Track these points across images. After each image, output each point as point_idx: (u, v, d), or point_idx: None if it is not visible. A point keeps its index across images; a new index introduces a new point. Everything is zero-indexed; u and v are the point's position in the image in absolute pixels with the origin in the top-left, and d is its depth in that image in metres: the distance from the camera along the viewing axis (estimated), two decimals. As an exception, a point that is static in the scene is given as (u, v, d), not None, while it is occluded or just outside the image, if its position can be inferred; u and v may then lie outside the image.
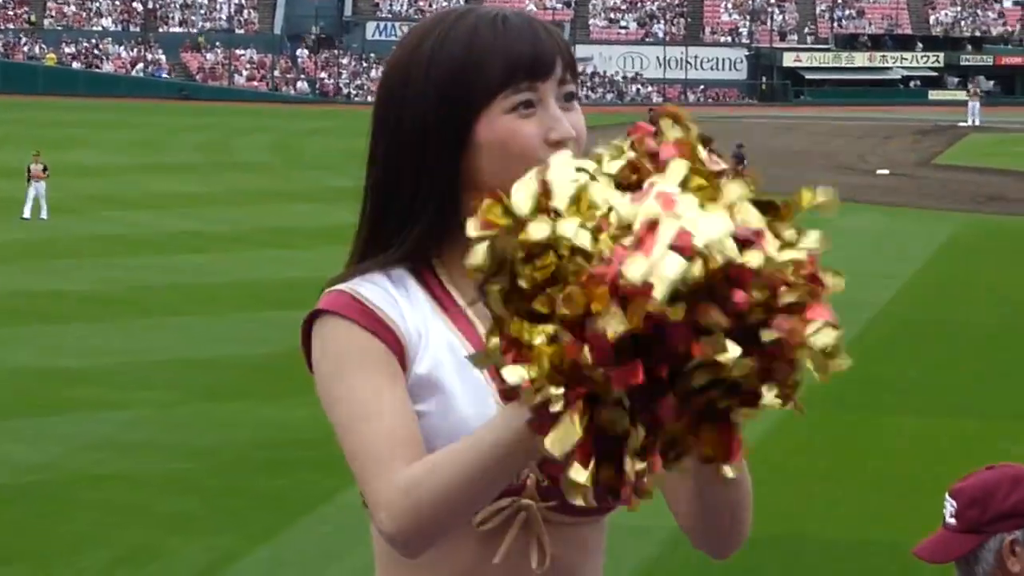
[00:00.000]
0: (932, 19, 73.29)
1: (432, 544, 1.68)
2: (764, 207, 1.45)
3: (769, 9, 72.24)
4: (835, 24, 71.54)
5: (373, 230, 1.83)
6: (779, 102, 64.74)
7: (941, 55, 68.24)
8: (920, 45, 69.41)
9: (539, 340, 1.37)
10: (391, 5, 73.84)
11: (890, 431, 11.71)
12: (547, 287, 1.37)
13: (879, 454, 11.10)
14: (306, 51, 69.70)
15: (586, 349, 1.34)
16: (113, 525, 9.13)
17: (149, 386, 12.64)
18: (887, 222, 25.69)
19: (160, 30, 70.80)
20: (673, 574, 8.22)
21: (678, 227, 1.34)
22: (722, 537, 1.82)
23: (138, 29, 70.76)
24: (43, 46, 67.62)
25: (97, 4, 71.72)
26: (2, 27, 69.15)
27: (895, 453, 11.10)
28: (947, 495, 2.92)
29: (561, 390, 1.37)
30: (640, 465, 1.39)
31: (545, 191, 1.40)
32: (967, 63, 68.22)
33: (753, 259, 1.37)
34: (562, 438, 1.38)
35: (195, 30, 71.14)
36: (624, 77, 66.74)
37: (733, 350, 1.35)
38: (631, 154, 1.44)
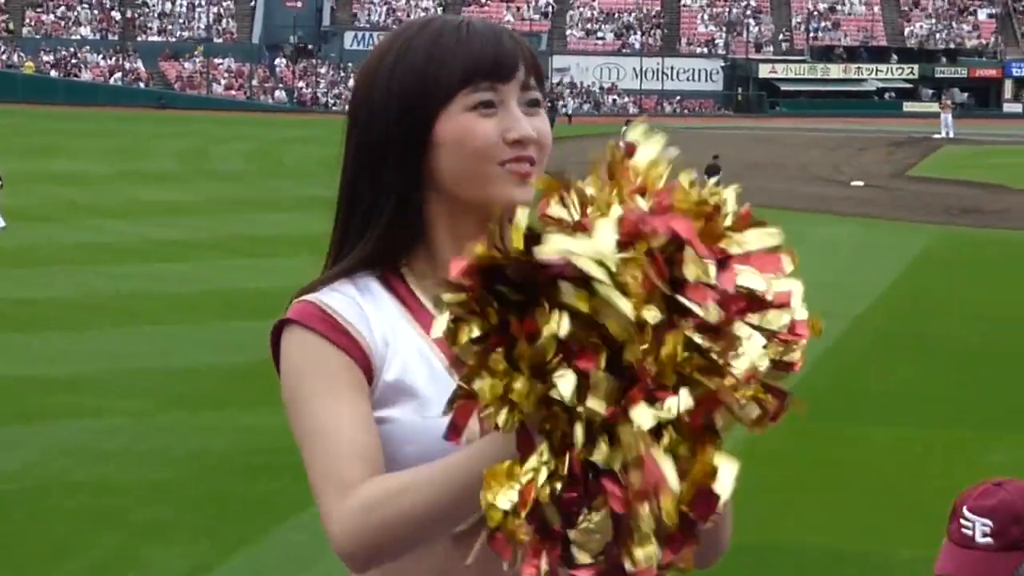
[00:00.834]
0: (907, 31, 73.69)
1: (382, 563, 1.66)
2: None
3: (745, 21, 72.53)
4: (811, 36, 71.86)
5: (342, 236, 1.85)
6: (755, 113, 65.02)
7: (916, 67, 68.61)
8: (895, 57, 69.78)
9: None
10: (369, 15, 73.88)
11: (865, 441, 11.73)
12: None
13: (853, 464, 11.13)
14: (284, 60, 69.66)
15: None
16: (89, 533, 9.11)
17: (126, 394, 12.60)
18: (861, 234, 25.78)
19: (139, 39, 70.69)
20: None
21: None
22: (699, 559, 1.80)
23: (116, 38, 70.64)
24: (21, 54, 67.44)
25: (76, 13, 71.57)
26: (-20, 35, 68.98)
27: (870, 463, 11.12)
28: (971, 514, 2.91)
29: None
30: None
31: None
32: (942, 75, 68.62)
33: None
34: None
35: (173, 39, 71.10)
36: (601, 88, 66.90)
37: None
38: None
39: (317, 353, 1.74)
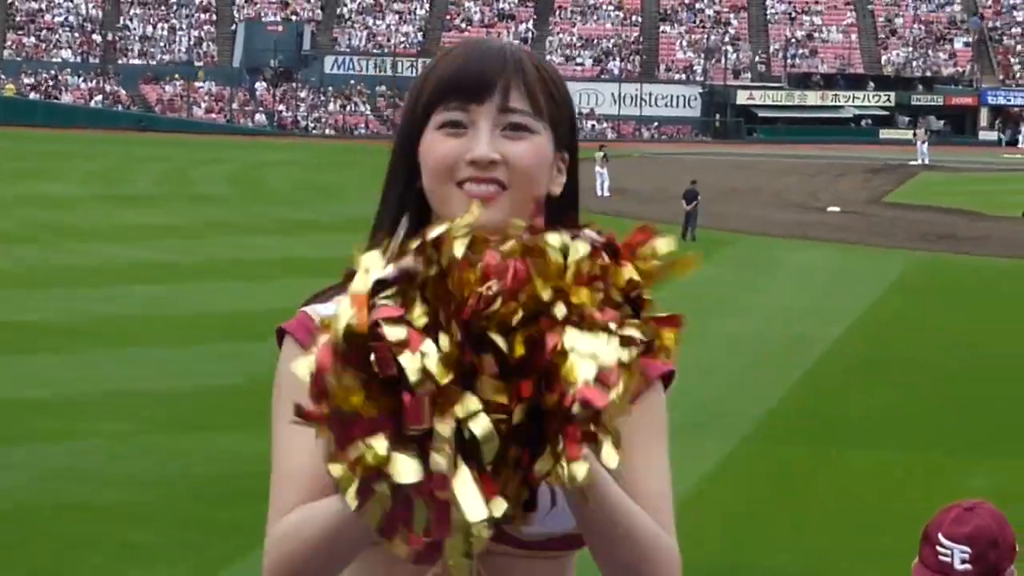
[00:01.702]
0: (884, 59, 74.18)
1: None
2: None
3: (723, 48, 72.93)
4: (788, 63, 72.28)
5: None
6: (732, 139, 65.27)
7: (892, 95, 69.00)
8: (872, 84, 70.19)
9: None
10: (349, 39, 74.02)
11: (840, 465, 11.76)
12: None
13: (830, 488, 11.19)
14: (264, 84, 69.73)
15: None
16: (70, 556, 9.10)
17: (109, 416, 12.57)
18: (838, 259, 25.92)
19: (119, 62, 70.67)
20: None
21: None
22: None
23: (97, 61, 70.61)
24: (2, 77, 67.32)
25: (57, 36, 71.55)
26: (-40, 58, 68.89)
27: (846, 487, 11.15)
28: (948, 541, 2.90)
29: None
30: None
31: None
32: (918, 103, 69.03)
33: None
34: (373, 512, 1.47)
35: (154, 62, 71.14)
36: (580, 113, 67.16)
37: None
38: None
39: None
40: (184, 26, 72.79)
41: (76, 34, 71.88)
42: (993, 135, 68.36)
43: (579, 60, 73.14)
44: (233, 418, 12.23)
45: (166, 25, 73.08)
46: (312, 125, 67.91)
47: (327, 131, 67.14)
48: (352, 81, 69.36)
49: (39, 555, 9.14)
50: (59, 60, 70.08)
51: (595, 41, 73.82)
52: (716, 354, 15.29)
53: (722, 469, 11.38)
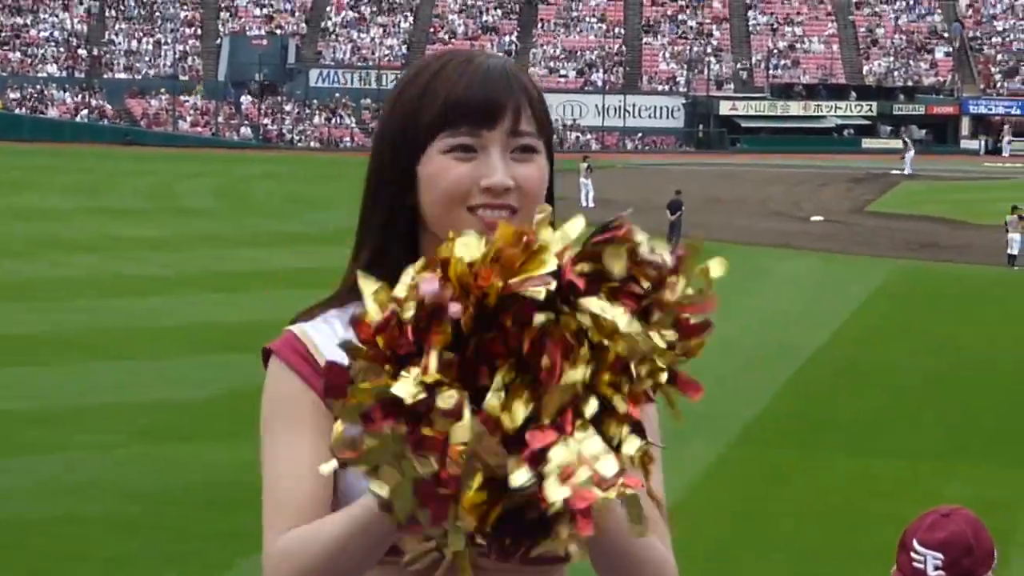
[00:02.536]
0: (865, 69, 74.49)
1: None
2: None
3: (706, 59, 73.18)
4: (770, 73, 72.55)
5: (352, 259, 1.86)
6: (716, 150, 65.41)
7: (874, 104, 69.23)
8: (854, 94, 70.43)
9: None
10: (334, 53, 74.10)
11: (825, 470, 11.84)
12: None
13: (814, 492, 11.28)
14: (250, 97, 69.77)
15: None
16: (59, 567, 9.13)
17: (93, 428, 12.60)
18: (821, 268, 26.04)
19: (105, 76, 70.67)
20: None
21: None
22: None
23: (83, 75, 70.61)
24: (-11, 91, 67.31)
25: (43, 51, 71.52)
26: (-54, 74, 68.82)
27: (830, 491, 11.23)
28: (922, 548, 2.91)
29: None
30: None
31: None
32: (900, 112, 69.27)
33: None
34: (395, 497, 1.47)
35: (139, 76, 71.13)
36: (564, 125, 67.31)
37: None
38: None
39: (286, 390, 1.77)
40: (169, 40, 72.78)
41: (61, 49, 71.85)
42: (974, 144, 68.65)
43: (563, 72, 73.30)
44: (221, 429, 12.28)
45: (151, 40, 73.07)
46: (297, 138, 67.94)
47: (312, 144, 67.16)
48: (337, 94, 69.42)
49: (28, 566, 9.16)
50: (45, 75, 70.05)
51: (578, 53, 74.00)
52: (705, 359, 15.21)
53: (712, 472, 11.46)
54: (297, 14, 75.62)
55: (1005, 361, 17.14)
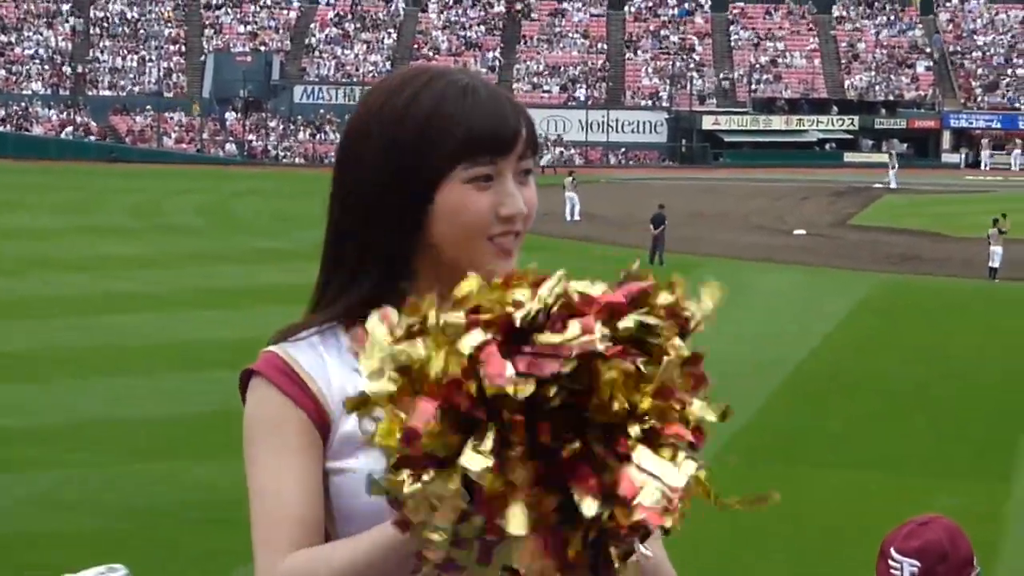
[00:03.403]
0: (847, 83, 74.81)
1: None
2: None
3: (688, 74, 73.45)
4: (752, 88, 72.82)
5: (325, 284, 1.82)
6: (698, 164, 65.60)
7: (856, 118, 69.48)
8: (835, 109, 70.71)
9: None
10: (318, 69, 74.19)
11: (810, 483, 11.85)
12: None
13: (797, 506, 11.34)
14: (234, 114, 69.81)
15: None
16: (50, 583, 9.23)
17: (83, 446, 12.61)
18: (804, 281, 26.15)
19: (90, 93, 70.63)
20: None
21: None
22: None
23: (67, 93, 70.56)
24: (-27, 110, 67.21)
25: (27, 68, 71.47)
26: (-70, 91, 68.70)
27: (816, 504, 11.25)
28: (899, 555, 2.95)
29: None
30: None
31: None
32: (881, 126, 69.57)
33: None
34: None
35: (123, 93, 71.13)
36: (547, 140, 67.50)
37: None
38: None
39: (273, 411, 1.74)
40: (154, 57, 72.78)
41: (46, 66, 71.80)
42: (956, 157, 68.98)
43: (546, 88, 73.51)
44: (213, 445, 12.27)
45: (136, 56, 73.07)
46: (282, 154, 68.00)
47: (297, 160, 67.19)
48: (321, 110, 69.50)
49: (20, 582, 9.22)
50: (29, 92, 70.01)
51: (562, 69, 74.22)
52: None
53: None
54: (281, 31, 75.74)
55: (991, 373, 17.27)
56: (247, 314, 19.73)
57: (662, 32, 76.44)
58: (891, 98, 72.74)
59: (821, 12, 77.49)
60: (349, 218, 1.79)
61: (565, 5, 77.49)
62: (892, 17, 77.80)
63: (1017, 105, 72.13)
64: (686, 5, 77.59)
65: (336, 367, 1.76)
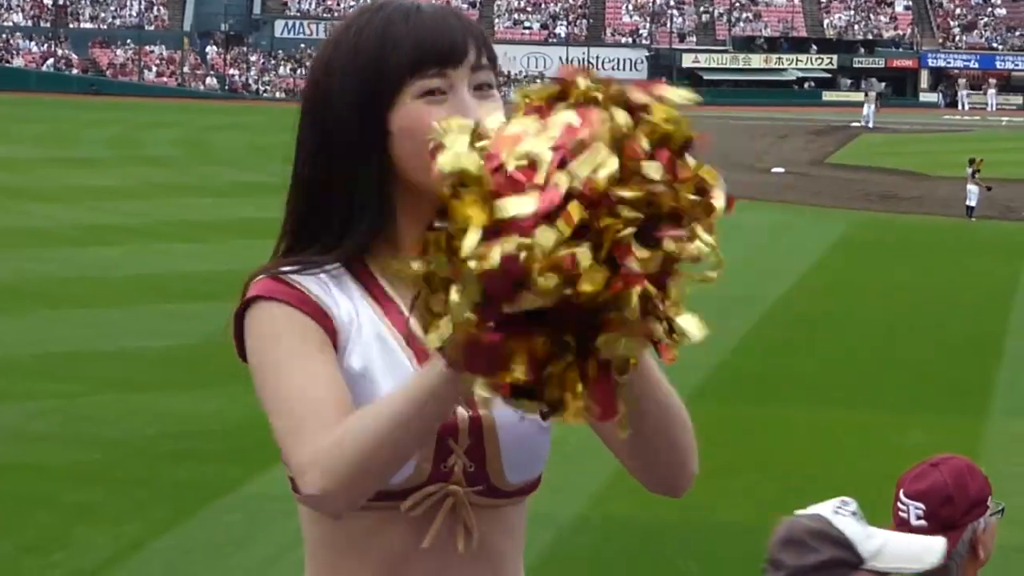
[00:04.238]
0: (826, 22, 74.57)
1: (357, 500, 1.65)
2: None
3: (669, 11, 73.05)
4: (732, 26, 72.53)
5: (299, 224, 1.83)
6: (679, 102, 65.49)
7: (835, 57, 69.41)
8: (814, 47, 70.57)
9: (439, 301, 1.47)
10: (299, 3, 73.55)
11: (784, 422, 11.90)
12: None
13: (774, 444, 11.36)
14: (215, 48, 69.23)
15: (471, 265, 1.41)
16: (19, 515, 9.09)
17: (55, 378, 12.58)
18: (782, 219, 26.18)
19: (71, 26, 69.98)
20: (570, 560, 8.33)
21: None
22: (666, 468, 1.83)
23: (48, 25, 69.90)
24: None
25: (8, 0, 70.74)
26: (-89, 23, 67.95)
27: (789, 443, 11.29)
28: (905, 498, 2.97)
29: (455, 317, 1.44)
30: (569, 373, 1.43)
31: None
32: (860, 65, 69.49)
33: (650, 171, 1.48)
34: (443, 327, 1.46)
35: (105, 26, 70.51)
36: (528, 76, 67.13)
37: (640, 253, 1.44)
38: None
39: (287, 319, 1.75)
40: (135, -11, 72.13)
41: (27, -2, 71.14)
42: (933, 96, 68.95)
43: (527, 24, 73.05)
44: (182, 379, 12.27)
45: (117, -12, 72.37)
46: (263, 89, 67.53)
47: (277, 94, 66.82)
48: (302, 45, 69.01)
49: (-8, 511, 9.18)
50: (10, 24, 69.32)
51: (542, 5, 73.73)
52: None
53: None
54: (262, -37, 75.06)
55: (966, 310, 17.34)
56: (222, 247, 19.67)
57: (643, -32, 75.96)
58: (870, 37, 72.61)
59: (802, -51, 77.10)
60: (323, 158, 1.80)
61: (546, -60, 76.88)
62: (873, -45, 77.50)
63: (995, 45, 72.04)
64: (667, -59, 77.07)
65: (340, 296, 1.78)
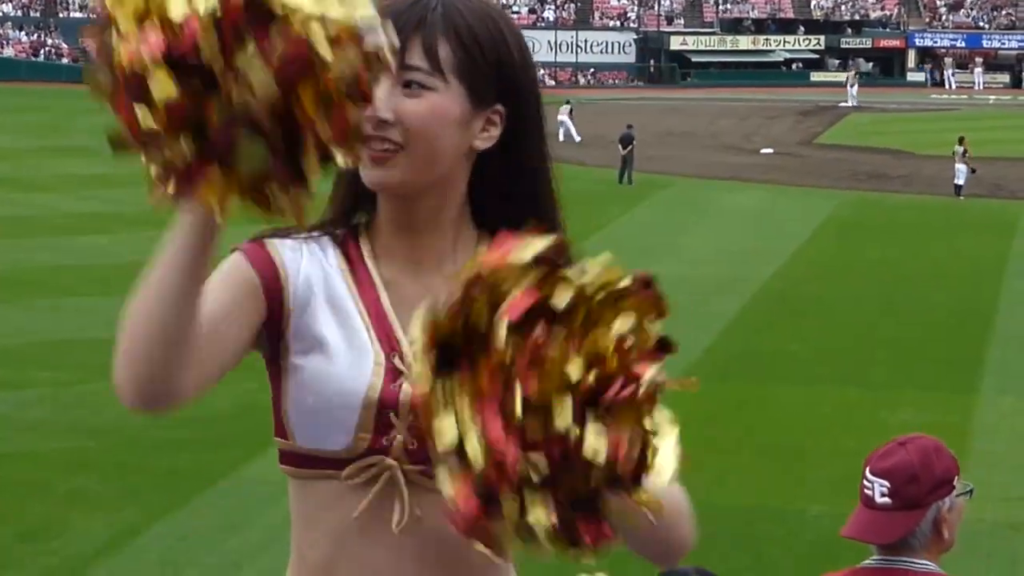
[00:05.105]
0: (813, 3, 74.53)
1: (144, 388, 1.70)
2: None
3: (656, -7, 72.99)
4: (720, 9, 72.49)
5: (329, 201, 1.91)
6: (666, 84, 65.42)
7: (822, 38, 69.40)
8: (802, 28, 70.54)
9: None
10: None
11: (773, 402, 11.96)
12: None
13: (764, 423, 11.41)
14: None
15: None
16: (14, 502, 9.15)
17: (48, 365, 12.62)
18: (770, 200, 26.22)
19: (61, 15, 69.78)
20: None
21: None
22: (663, 558, 1.87)
23: (38, 15, 69.72)
24: (-58, 33, 66.25)
25: (-3, -11, 70.52)
26: (-100, 14, 67.66)
27: (779, 422, 11.35)
28: (871, 475, 2.97)
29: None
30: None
31: None
32: (847, 46, 69.49)
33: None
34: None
35: (95, 16, 70.24)
36: (515, 60, 67.11)
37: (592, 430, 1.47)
38: None
39: (233, 264, 1.81)
40: (122, -23, 71.85)
41: (16, -13, 70.85)
42: (920, 76, 68.98)
43: (515, 8, 72.89)
44: (177, 365, 12.27)
45: (104, -23, 72.10)
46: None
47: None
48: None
49: (-13, 498, 9.20)
50: (0, 14, 69.11)
51: (529, -12, 73.65)
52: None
53: (663, 406, 11.56)
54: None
55: (955, 288, 17.38)
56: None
57: (629, -49, 75.82)
58: (857, 17, 72.59)
59: (789, -70, 77.01)
60: None
61: (532, -77, 76.71)
62: (860, -65, 77.40)
63: (981, 24, 72.08)
64: (654, -77, 76.93)
65: (310, 260, 1.82)
